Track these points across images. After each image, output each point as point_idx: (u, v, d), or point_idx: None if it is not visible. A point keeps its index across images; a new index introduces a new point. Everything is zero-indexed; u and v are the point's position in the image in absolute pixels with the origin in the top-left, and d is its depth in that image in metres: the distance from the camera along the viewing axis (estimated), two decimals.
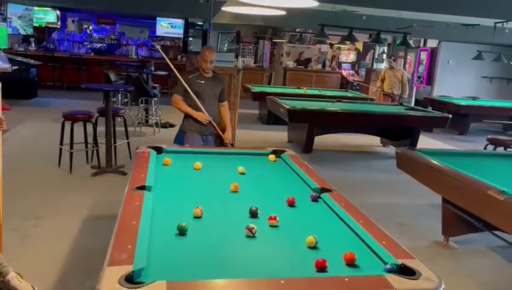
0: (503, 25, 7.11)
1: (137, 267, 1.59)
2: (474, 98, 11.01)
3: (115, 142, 5.28)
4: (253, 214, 2.23)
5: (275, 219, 2.15)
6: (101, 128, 5.31)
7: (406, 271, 1.72)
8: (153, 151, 3.26)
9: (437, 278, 1.68)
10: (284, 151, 3.57)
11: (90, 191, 4.56)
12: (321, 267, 1.72)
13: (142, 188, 2.44)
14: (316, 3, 1.76)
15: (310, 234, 1.96)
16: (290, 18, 10.15)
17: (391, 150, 7.62)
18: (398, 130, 7.15)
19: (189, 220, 2.09)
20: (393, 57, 10.03)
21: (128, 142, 5.57)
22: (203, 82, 4.10)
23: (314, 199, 2.55)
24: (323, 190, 2.68)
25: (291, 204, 2.45)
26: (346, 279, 1.63)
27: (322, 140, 7.22)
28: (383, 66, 13.17)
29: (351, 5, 6.07)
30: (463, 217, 3.49)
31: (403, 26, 8.51)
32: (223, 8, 2.38)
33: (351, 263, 1.78)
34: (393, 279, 1.65)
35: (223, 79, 4.40)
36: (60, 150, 5.14)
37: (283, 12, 2.28)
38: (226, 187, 2.65)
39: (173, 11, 11.09)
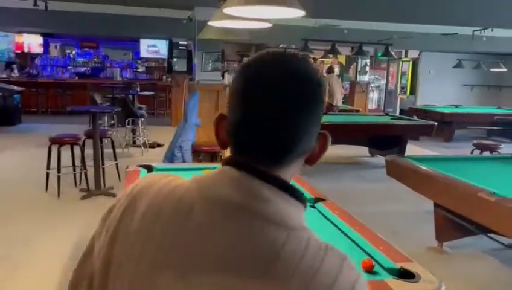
0: (481, 32, 7.30)
1: None
2: (457, 106, 11.21)
3: (103, 164, 5.22)
4: None
5: None
6: (88, 151, 5.25)
7: (405, 275, 1.72)
8: (143, 170, 3.23)
9: (437, 280, 1.68)
10: None
11: (79, 215, 4.48)
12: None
13: None
14: (303, 13, 1.78)
15: None
16: (273, 34, 10.28)
17: (380, 159, 7.67)
18: (386, 139, 7.22)
19: None
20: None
21: (116, 164, 5.52)
22: None
23: None
24: (317, 199, 2.67)
25: None
26: None
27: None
28: (367, 78, 13.39)
29: (333, 18, 6.18)
30: (455, 221, 3.51)
31: (384, 38, 8.69)
32: (209, 23, 2.40)
33: (370, 270, 1.76)
34: (394, 283, 1.65)
35: None
36: (47, 174, 5.06)
37: (269, 25, 2.30)
38: None
39: (156, 32, 11.17)
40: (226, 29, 2.68)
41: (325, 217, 2.43)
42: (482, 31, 7.18)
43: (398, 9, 5.64)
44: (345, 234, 2.18)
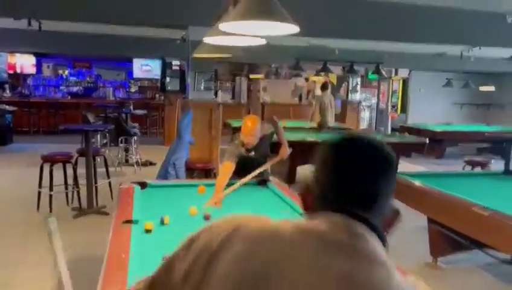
0: (469, 51, 7.46)
1: None
2: (447, 124, 11.35)
3: (96, 183, 5.18)
4: None
5: None
6: (80, 171, 5.22)
7: None
8: (137, 187, 3.22)
9: None
10: (268, 180, 3.58)
11: (71, 234, 4.40)
12: None
13: (129, 221, 2.39)
14: (297, 29, 1.82)
15: None
16: (266, 54, 10.41)
17: None
18: None
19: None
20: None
21: (109, 182, 5.48)
22: (252, 154, 3.54)
23: None
24: None
25: None
26: None
27: (304, 171, 7.25)
28: (358, 97, 13.55)
29: (325, 37, 6.29)
30: (449, 236, 3.52)
31: (374, 58, 8.84)
32: (204, 40, 2.43)
33: None
34: None
35: (270, 133, 3.81)
36: (39, 193, 5.01)
37: (264, 42, 2.34)
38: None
39: (150, 52, 11.25)
40: (220, 46, 2.71)
41: None
42: (470, 50, 7.33)
43: (388, 28, 5.76)
44: None
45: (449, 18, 5.66)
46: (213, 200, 2.93)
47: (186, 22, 5.21)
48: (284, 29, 1.87)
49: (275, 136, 3.90)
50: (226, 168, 3.32)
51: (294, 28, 1.84)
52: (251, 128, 3.38)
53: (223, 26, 1.87)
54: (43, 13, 5.26)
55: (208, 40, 2.38)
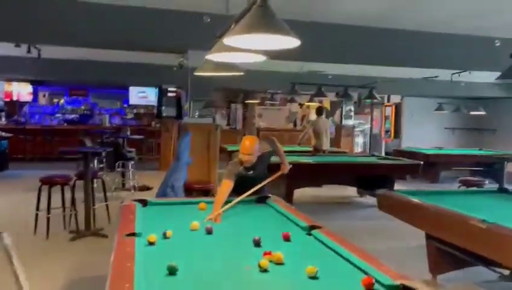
0: (459, 75, 7.66)
1: None
2: (440, 148, 11.48)
3: (93, 205, 5.17)
4: (257, 243, 2.26)
5: (269, 253, 2.15)
6: (78, 195, 5.20)
7: None
8: (138, 204, 3.24)
9: None
10: (268, 197, 3.61)
11: (69, 256, 4.39)
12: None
13: (133, 234, 2.41)
14: (299, 42, 1.90)
15: (309, 265, 1.97)
16: (261, 80, 10.61)
17: (368, 199, 7.75)
18: (374, 179, 7.31)
19: (181, 259, 2.05)
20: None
21: (107, 205, 5.47)
22: (250, 172, 3.59)
23: (287, 239, 2.50)
24: (313, 227, 2.71)
25: (287, 238, 2.47)
26: None
27: (300, 194, 7.28)
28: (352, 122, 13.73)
29: (318, 61, 6.45)
30: (448, 252, 3.54)
31: (367, 83, 9.04)
32: (207, 56, 2.51)
33: (370, 287, 1.78)
34: None
35: (268, 152, 3.83)
36: (36, 215, 4.99)
37: (264, 58, 2.43)
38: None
39: (146, 79, 11.40)
40: (222, 65, 2.80)
41: (323, 243, 2.46)
42: (460, 74, 7.53)
43: (379, 53, 5.94)
44: (344, 258, 2.20)
45: (438, 43, 5.86)
46: (212, 215, 2.96)
47: (185, 46, 5.34)
48: (286, 43, 1.96)
49: (273, 158, 3.96)
50: (225, 186, 3.36)
51: (295, 42, 1.93)
52: (249, 147, 3.45)
53: (227, 40, 1.96)
54: (43, 38, 5.36)
55: (210, 56, 2.47)
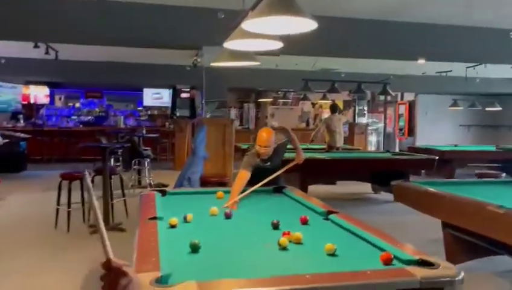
0: (474, 68, 7.61)
1: (165, 273, 1.61)
2: (455, 145, 11.37)
3: (112, 200, 5.27)
4: (275, 226, 2.30)
5: (288, 233, 2.19)
6: (96, 192, 5.30)
7: (424, 264, 1.78)
8: (158, 193, 3.31)
9: (456, 267, 1.74)
10: (285, 187, 3.66)
11: (89, 249, 4.46)
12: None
13: (155, 218, 2.48)
14: (316, 25, 1.95)
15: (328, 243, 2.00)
16: (273, 79, 10.66)
17: (383, 196, 7.73)
18: (389, 175, 7.29)
19: (202, 239, 2.09)
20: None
21: (124, 200, 5.57)
22: (267, 164, 3.63)
23: (304, 222, 2.54)
24: (330, 212, 2.74)
25: (305, 222, 2.51)
26: (369, 272, 1.68)
27: (314, 191, 7.29)
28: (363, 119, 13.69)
29: (332, 56, 6.47)
30: (465, 240, 3.54)
31: (381, 80, 9.02)
32: (224, 44, 2.57)
33: (389, 262, 1.81)
34: (415, 269, 1.70)
35: (283, 143, 3.85)
36: (57, 210, 5.10)
37: (281, 45, 2.47)
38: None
39: (160, 79, 11.53)
40: (238, 54, 2.86)
41: (340, 226, 2.49)
42: (475, 68, 7.48)
43: (393, 46, 5.94)
44: (362, 238, 2.24)
45: (453, 35, 5.85)
46: (229, 203, 3.01)
47: (200, 43, 5.42)
48: (304, 26, 2.01)
49: (287, 154, 4.01)
50: (242, 175, 3.42)
51: (313, 24, 1.97)
52: (266, 140, 3.50)
53: (245, 24, 2.01)
54: (60, 37, 5.49)
55: (227, 44, 2.53)
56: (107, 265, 0.97)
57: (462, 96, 12.31)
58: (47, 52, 7.60)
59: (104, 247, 1.02)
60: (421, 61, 6.29)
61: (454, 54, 5.98)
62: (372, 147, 13.81)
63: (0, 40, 6.44)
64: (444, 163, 9.38)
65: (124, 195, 5.60)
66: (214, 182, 4.85)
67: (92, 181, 5.28)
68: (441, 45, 5.93)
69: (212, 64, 3.34)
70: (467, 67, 7.73)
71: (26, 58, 9.35)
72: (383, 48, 5.86)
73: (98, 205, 1.11)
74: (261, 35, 2.27)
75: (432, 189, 3.72)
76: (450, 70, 8.82)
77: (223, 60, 3.10)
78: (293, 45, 3.66)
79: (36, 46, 7.06)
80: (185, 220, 2.54)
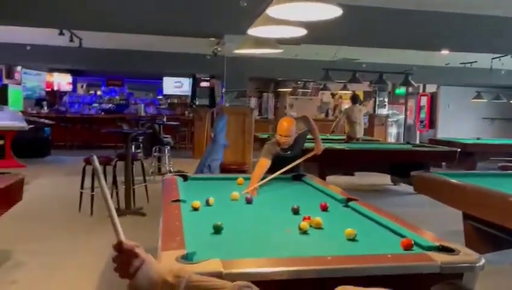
0: (500, 60, 7.44)
1: (190, 251, 1.66)
2: (478, 139, 11.17)
3: (133, 185, 5.38)
4: (296, 212, 2.34)
5: (309, 218, 2.22)
6: (119, 177, 5.42)
7: (445, 250, 1.79)
8: (179, 178, 3.37)
9: (477, 253, 1.74)
10: (304, 175, 3.68)
11: (111, 231, 4.59)
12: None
13: (178, 201, 2.54)
14: (340, 12, 1.95)
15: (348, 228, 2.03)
16: (293, 69, 10.63)
17: (403, 187, 7.67)
18: (409, 166, 7.22)
19: (225, 222, 2.13)
20: None
21: (145, 186, 5.68)
22: (287, 153, 3.65)
23: (324, 209, 2.56)
24: (349, 199, 2.76)
25: (324, 208, 2.53)
26: (389, 255, 1.70)
27: (332, 181, 7.27)
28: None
29: (355, 45, 6.41)
30: (486, 232, 3.52)
31: (403, 70, 8.91)
32: (249, 31, 2.59)
33: (409, 248, 1.82)
34: (435, 255, 1.71)
35: (304, 132, 3.86)
36: (81, 193, 5.24)
37: (304, 32, 2.48)
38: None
39: (180, 68, 11.60)
40: (261, 41, 2.87)
41: (359, 213, 2.51)
42: (501, 59, 7.31)
43: (416, 37, 5.86)
44: (382, 225, 2.25)
45: (478, 25, 5.73)
46: (249, 189, 3.06)
47: (222, 31, 5.44)
48: (329, 13, 2.02)
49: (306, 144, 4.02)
50: (262, 163, 3.45)
51: (337, 11, 1.98)
52: (287, 129, 3.52)
53: (271, 10, 2.03)
54: (85, 24, 5.58)
55: (251, 31, 2.55)
56: (119, 247, 1.00)
57: (486, 88, 12.06)
58: (71, 40, 7.74)
59: (115, 229, 1.04)
60: (445, 51, 6.19)
61: (480, 45, 5.86)
62: (391, 139, 13.68)
63: (28, 27, 6.57)
64: (466, 156, 9.24)
65: (145, 181, 5.72)
66: (234, 169, 4.92)
67: (115, 166, 5.40)
68: (466, 35, 5.82)
69: (236, 51, 3.37)
70: (493, 58, 7.57)
71: (51, 46, 9.54)
72: (407, 37, 5.79)
73: (107, 189, 1.14)
74: (286, 22, 2.28)
75: (453, 180, 3.69)
76: (475, 61, 8.65)
77: (247, 47, 3.13)
78: (315, 33, 3.64)
79: (61, 34, 7.19)
80: (207, 203, 2.59)
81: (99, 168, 1.17)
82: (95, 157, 1.16)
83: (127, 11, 5.29)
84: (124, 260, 0.96)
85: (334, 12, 2.00)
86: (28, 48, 9.58)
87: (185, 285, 0.94)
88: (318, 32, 3.62)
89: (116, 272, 0.97)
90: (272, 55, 8.28)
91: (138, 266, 0.97)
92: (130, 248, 0.97)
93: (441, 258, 1.66)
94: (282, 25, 2.32)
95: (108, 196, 1.05)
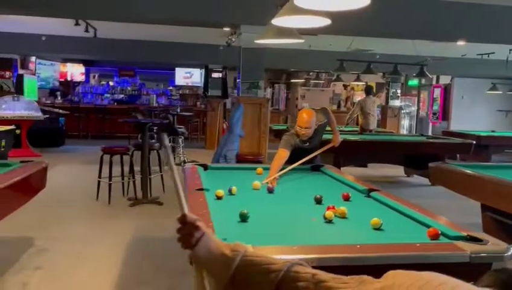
0: None
1: (220, 238, 1.69)
2: (492, 131, 11.06)
3: (150, 175, 5.43)
4: (318, 201, 2.35)
5: (333, 208, 2.24)
6: (136, 167, 5.48)
7: (472, 240, 1.79)
8: (200, 168, 3.41)
9: (505, 243, 1.75)
10: (322, 165, 3.69)
11: (129, 220, 4.67)
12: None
13: (201, 189, 2.57)
14: (368, 2, 1.95)
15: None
16: (307, 59, 10.58)
17: (416, 179, 7.66)
18: (423, 158, 7.20)
19: (250, 210, 2.15)
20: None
21: (161, 175, 5.73)
22: (306, 144, 3.64)
23: (346, 199, 2.57)
24: (371, 190, 2.77)
25: (347, 199, 2.55)
26: (418, 244, 1.71)
27: (347, 173, 7.31)
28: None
29: (369, 36, 6.36)
30: (505, 223, 3.50)
31: (417, 62, 8.81)
32: (273, 21, 2.58)
33: (436, 238, 1.83)
34: (464, 244, 1.72)
35: (323, 124, 3.83)
36: (99, 183, 5.31)
37: (328, 21, 2.48)
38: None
39: (192, 59, 11.60)
40: (283, 31, 2.87)
41: (382, 203, 2.52)
42: None
43: (432, 27, 5.79)
44: (405, 215, 2.26)
45: (497, 16, 5.65)
46: (268, 179, 3.07)
47: (238, 22, 5.43)
48: (357, 2, 2.01)
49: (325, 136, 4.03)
50: (281, 153, 3.45)
51: (365, 0, 1.97)
52: (307, 121, 3.52)
53: (297, 0, 2.03)
54: (101, 14, 5.60)
55: (275, 21, 2.55)
56: (183, 219, 1.06)
57: (501, 80, 11.89)
58: (86, 30, 7.79)
59: (180, 204, 1.11)
60: (461, 42, 6.12)
61: (497, 36, 5.77)
62: (404, 131, 13.59)
63: (44, 17, 6.61)
64: (480, 148, 9.16)
65: (161, 171, 5.77)
66: (249, 160, 4.93)
67: (132, 156, 5.46)
68: (483, 25, 5.75)
69: (257, 41, 3.37)
70: (511, 50, 7.46)
71: (65, 36, 9.59)
72: (423, 28, 5.73)
73: (175, 165, 1.19)
74: (311, 12, 2.28)
75: (471, 171, 3.68)
76: (493, 52, 8.53)
77: (269, 37, 3.13)
78: (334, 24, 3.63)
79: (77, 24, 7.24)
80: (230, 192, 2.62)
81: (169, 145, 1.24)
82: (165, 136, 1.23)
83: (144, 1, 5.30)
84: (187, 232, 1.04)
85: (362, 1, 2.00)
86: (43, 38, 9.65)
87: (241, 258, 1.01)
88: (337, 23, 3.60)
89: (179, 243, 1.05)
90: (285, 46, 8.26)
91: (199, 238, 1.05)
92: (193, 221, 1.04)
93: (470, 247, 1.67)
94: (309, 14, 2.32)
95: (176, 171, 1.13)
